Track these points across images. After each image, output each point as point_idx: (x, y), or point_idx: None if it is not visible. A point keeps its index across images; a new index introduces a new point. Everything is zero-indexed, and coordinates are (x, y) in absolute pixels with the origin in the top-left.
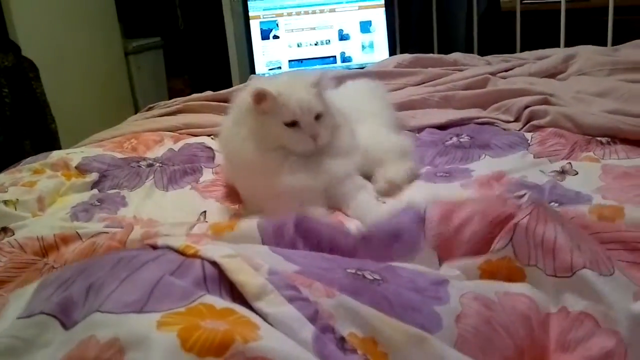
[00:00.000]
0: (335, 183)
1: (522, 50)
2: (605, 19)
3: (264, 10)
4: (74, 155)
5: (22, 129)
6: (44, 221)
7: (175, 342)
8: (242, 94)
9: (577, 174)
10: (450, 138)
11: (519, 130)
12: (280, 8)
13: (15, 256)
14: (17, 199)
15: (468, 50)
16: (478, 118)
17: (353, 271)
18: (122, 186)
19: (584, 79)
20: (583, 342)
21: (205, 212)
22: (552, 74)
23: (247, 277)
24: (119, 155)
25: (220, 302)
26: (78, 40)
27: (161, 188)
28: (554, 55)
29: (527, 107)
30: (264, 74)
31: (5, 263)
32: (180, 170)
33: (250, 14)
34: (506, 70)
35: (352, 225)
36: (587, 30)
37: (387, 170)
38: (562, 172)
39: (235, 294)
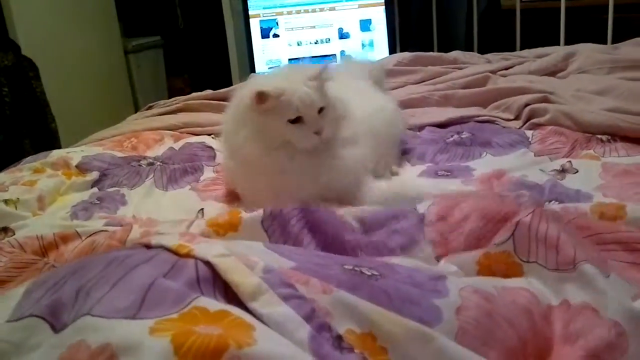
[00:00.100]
0: (344, 178)
1: (522, 49)
2: (605, 17)
3: (263, 8)
4: (74, 154)
5: (22, 128)
6: (44, 220)
7: (169, 348)
8: (241, 92)
9: (577, 172)
10: (452, 136)
11: (518, 129)
12: (280, 6)
13: (15, 256)
14: (18, 198)
15: (468, 48)
16: (478, 116)
17: (350, 267)
18: (121, 184)
19: (584, 77)
20: (584, 333)
21: (202, 209)
22: (552, 72)
23: (241, 277)
24: (119, 154)
25: (214, 305)
26: (78, 39)
27: (161, 187)
28: (554, 53)
29: (527, 105)
30: (263, 73)
31: (6, 263)
32: (180, 169)
33: (250, 12)
34: (506, 69)
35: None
36: (587, 28)
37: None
38: (563, 171)
39: (230, 294)
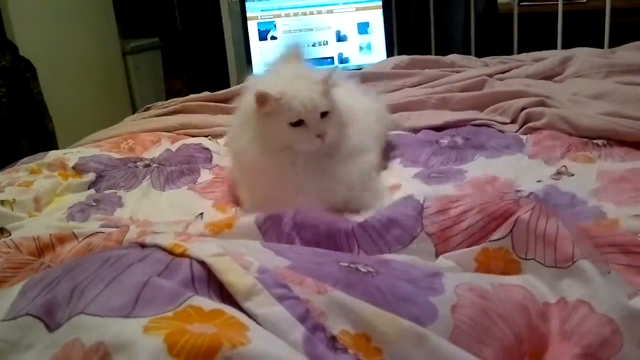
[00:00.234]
0: (346, 189)
1: (519, 52)
2: (602, 21)
3: (261, 11)
4: (71, 155)
5: (19, 128)
6: (41, 221)
7: (162, 347)
8: (247, 96)
9: (572, 175)
10: (445, 139)
11: (515, 132)
12: (277, 9)
13: (11, 256)
14: (14, 199)
15: (465, 51)
16: (475, 120)
17: (346, 264)
18: (118, 186)
19: (581, 81)
20: (579, 331)
21: (202, 213)
22: (549, 76)
23: (236, 277)
24: (116, 156)
25: (209, 304)
26: (76, 40)
27: (158, 188)
28: (551, 57)
29: (523, 109)
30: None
31: (2, 263)
32: (177, 170)
33: (248, 14)
34: (503, 72)
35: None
36: (584, 32)
37: None
38: (558, 174)
39: (225, 293)
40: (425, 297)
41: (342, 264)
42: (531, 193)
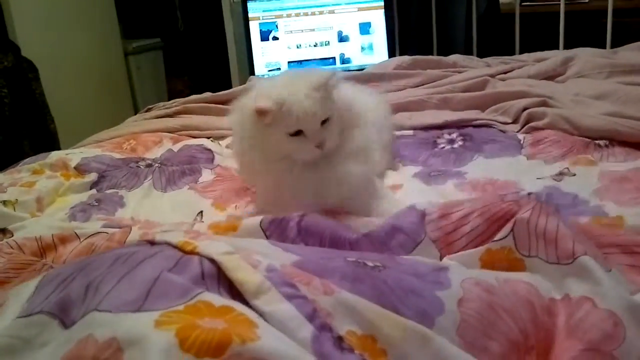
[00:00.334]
0: (345, 193)
1: (521, 52)
2: (604, 21)
3: (263, 11)
4: (73, 155)
5: (21, 129)
6: (43, 221)
7: (174, 341)
8: (246, 100)
9: (574, 175)
10: (444, 139)
11: (517, 132)
12: (279, 9)
13: (14, 257)
14: (17, 200)
15: (467, 52)
16: (476, 120)
17: (353, 259)
18: (120, 186)
19: (583, 81)
20: (582, 325)
21: (202, 212)
22: (550, 76)
23: (245, 275)
24: (118, 156)
25: (219, 300)
26: (78, 41)
27: (159, 189)
28: (553, 57)
29: (525, 109)
30: (263, 75)
31: (4, 264)
32: (178, 171)
33: (250, 15)
34: (505, 72)
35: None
36: (586, 32)
37: None
38: (560, 174)
39: (234, 291)
40: (432, 291)
41: (349, 259)
42: (531, 193)
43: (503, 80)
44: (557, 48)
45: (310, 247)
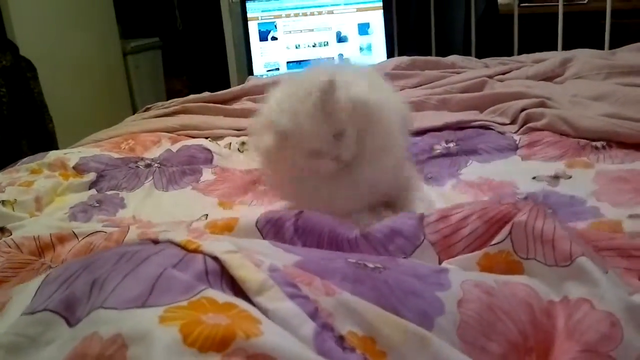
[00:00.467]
0: (379, 188)
1: (519, 53)
2: (602, 23)
3: (262, 11)
4: (72, 155)
5: (19, 128)
6: (42, 221)
7: (177, 337)
8: (257, 124)
9: (570, 177)
10: (439, 144)
11: (514, 132)
12: (278, 10)
13: (12, 256)
14: (15, 199)
15: (466, 52)
16: (474, 121)
17: (354, 260)
18: (120, 187)
19: (581, 82)
20: (580, 327)
21: (207, 215)
22: (549, 77)
23: (248, 273)
24: (117, 156)
25: (223, 296)
26: (76, 40)
27: (160, 189)
28: (552, 58)
29: (523, 110)
30: (261, 75)
31: (3, 263)
32: (179, 171)
33: (249, 15)
34: (503, 73)
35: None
36: (584, 33)
37: None
38: (556, 177)
39: (237, 288)
40: (432, 292)
41: (350, 260)
42: (528, 196)
43: (501, 81)
44: (556, 49)
45: (310, 248)
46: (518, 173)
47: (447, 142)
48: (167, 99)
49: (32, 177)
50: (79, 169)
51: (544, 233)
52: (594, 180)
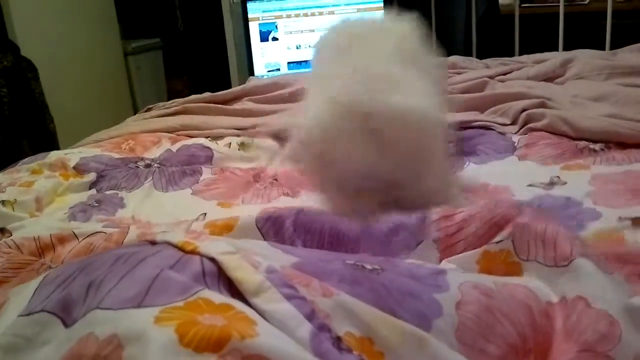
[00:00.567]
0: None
1: (520, 54)
2: (603, 23)
3: (263, 12)
4: (72, 155)
5: (20, 129)
6: (42, 221)
7: (173, 337)
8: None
9: (565, 183)
10: None
11: (515, 133)
12: (279, 10)
13: (12, 257)
14: (15, 200)
15: (467, 53)
16: (475, 121)
17: (352, 262)
18: (120, 187)
19: (582, 83)
20: (577, 326)
21: (205, 214)
22: (550, 78)
23: (245, 274)
24: (117, 156)
25: (219, 297)
26: (77, 41)
27: (160, 189)
28: (552, 59)
29: (523, 110)
30: (262, 76)
31: (3, 263)
32: (179, 171)
33: (250, 15)
34: (504, 74)
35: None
36: (585, 34)
37: None
38: (551, 183)
39: (234, 289)
40: (430, 294)
41: (348, 261)
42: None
43: (502, 81)
44: (557, 49)
45: (309, 249)
46: (514, 176)
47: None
48: (168, 100)
49: (32, 177)
50: (79, 169)
51: (547, 234)
52: (590, 183)
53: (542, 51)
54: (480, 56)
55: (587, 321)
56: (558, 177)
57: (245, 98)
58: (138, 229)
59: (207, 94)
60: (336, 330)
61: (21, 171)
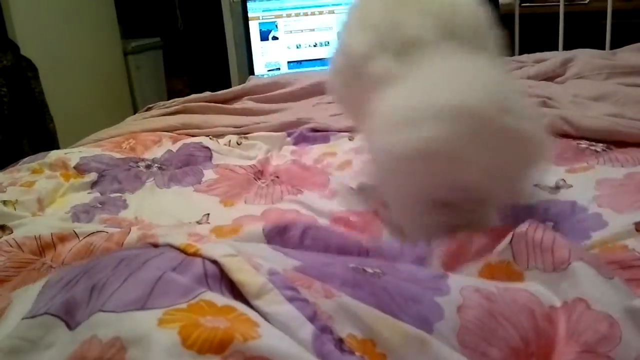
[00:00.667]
0: None
1: (520, 53)
2: (603, 23)
3: (263, 11)
4: (72, 155)
5: (20, 128)
6: (44, 220)
7: (176, 339)
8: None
9: (571, 187)
10: None
11: None
12: (279, 9)
13: (13, 255)
14: (17, 200)
15: None
16: None
17: (354, 265)
18: (123, 190)
19: (582, 82)
20: (577, 327)
21: (208, 214)
22: (550, 77)
23: (247, 276)
24: (118, 155)
25: (221, 299)
26: (77, 40)
27: (162, 186)
28: (553, 58)
29: None
30: (262, 75)
31: (4, 262)
32: (180, 172)
33: (250, 15)
34: None
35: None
36: (585, 33)
37: None
38: (557, 187)
39: (236, 291)
40: (431, 298)
41: (349, 265)
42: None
43: None
44: (557, 49)
45: (310, 252)
46: None
47: None
48: (168, 99)
49: (33, 177)
50: (79, 169)
51: (544, 241)
52: (595, 186)
53: (542, 51)
54: None
55: (588, 322)
56: (564, 180)
57: (246, 97)
58: (139, 230)
59: (207, 94)
60: (338, 332)
61: (22, 171)
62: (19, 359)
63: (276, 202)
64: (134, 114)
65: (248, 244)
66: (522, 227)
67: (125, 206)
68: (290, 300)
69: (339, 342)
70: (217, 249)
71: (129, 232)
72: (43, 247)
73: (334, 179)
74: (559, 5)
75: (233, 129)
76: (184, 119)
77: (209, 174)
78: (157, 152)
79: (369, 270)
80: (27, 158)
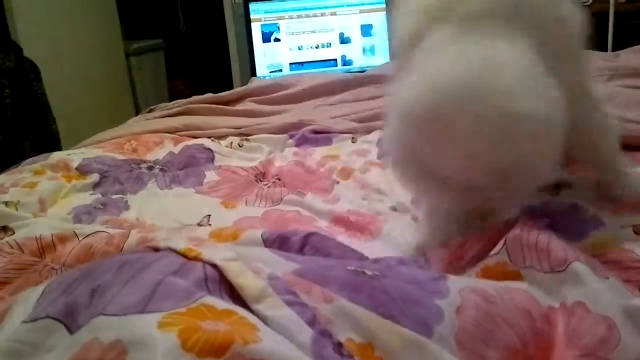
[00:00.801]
0: None
1: None
2: (606, 24)
3: (265, 13)
4: (74, 156)
5: (22, 129)
6: (45, 221)
7: (176, 342)
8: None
9: (571, 187)
10: None
11: None
12: (281, 11)
13: (15, 257)
14: (19, 201)
15: None
16: None
17: (353, 268)
18: (125, 192)
19: None
20: (577, 330)
21: (209, 215)
22: None
23: (247, 280)
24: (120, 157)
25: (221, 303)
26: (79, 42)
27: (163, 189)
28: None
29: None
30: (264, 77)
31: (5, 264)
32: (182, 174)
33: (252, 16)
34: None
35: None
36: (587, 35)
37: None
38: (557, 187)
39: (236, 295)
40: (431, 299)
41: (348, 268)
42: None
43: None
44: None
45: (310, 256)
46: None
47: None
48: (170, 101)
49: (35, 178)
50: (81, 170)
51: (539, 241)
52: (595, 187)
53: None
54: None
55: (587, 326)
56: (565, 180)
57: (248, 99)
58: (139, 233)
59: (209, 95)
60: (337, 335)
61: (24, 172)
62: None
63: (276, 203)
64: (136, 115)
65: (248, 248)
66: (516, 230)
67: (126, 207)
68: (290, 304)
69: (338, 346)
70: (217, 253)
71: (128, 235)
72: (43, 247)
73: (338, 187)
74: None
75: (235, 130)
76: (186, 121)
77: (210, 176)
78: (159, 154)
79: (368, 272)
80: (29, 159)
